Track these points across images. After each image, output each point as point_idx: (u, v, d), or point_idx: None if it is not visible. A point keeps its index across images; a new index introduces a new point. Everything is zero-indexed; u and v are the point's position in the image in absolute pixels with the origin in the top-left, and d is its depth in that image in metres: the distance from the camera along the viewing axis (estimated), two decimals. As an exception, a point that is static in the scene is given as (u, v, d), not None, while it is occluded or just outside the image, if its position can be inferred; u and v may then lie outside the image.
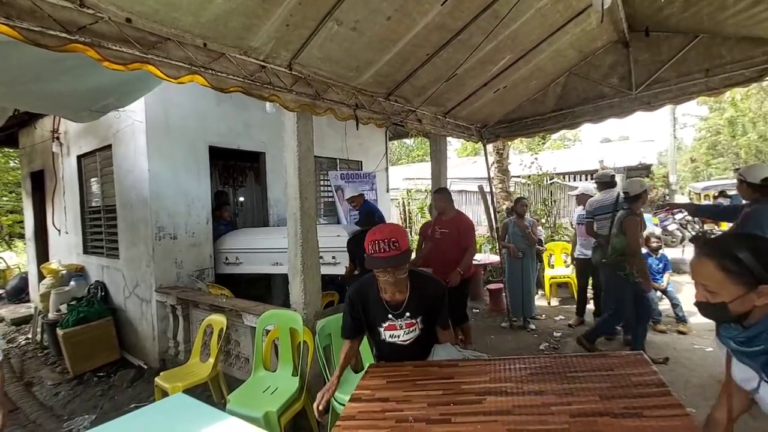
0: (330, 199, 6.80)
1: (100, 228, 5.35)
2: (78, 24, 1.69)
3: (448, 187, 4.73)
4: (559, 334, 4.80)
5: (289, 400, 2.62)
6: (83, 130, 5.28)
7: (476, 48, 3.16)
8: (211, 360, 3.31)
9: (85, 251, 5.68)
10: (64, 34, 1.65)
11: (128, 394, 3.98)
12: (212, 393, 3.36)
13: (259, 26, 2.17)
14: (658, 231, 7.06)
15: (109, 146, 4.87)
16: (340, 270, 4.26)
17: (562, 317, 5.45)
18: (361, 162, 7.48)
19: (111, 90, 3.16)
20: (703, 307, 1.18)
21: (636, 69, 4.22)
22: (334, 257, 4.29)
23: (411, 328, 1.99)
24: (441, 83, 3.57)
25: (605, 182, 4.56)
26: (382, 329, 2.00)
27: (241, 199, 7.70)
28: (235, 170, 7.46)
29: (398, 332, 1.99)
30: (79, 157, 5.59)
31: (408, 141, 28.31)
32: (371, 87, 3.26)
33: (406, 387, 1.79)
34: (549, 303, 6.14)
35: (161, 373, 3.37)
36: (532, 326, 5.08)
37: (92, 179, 5.51)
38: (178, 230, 4.54)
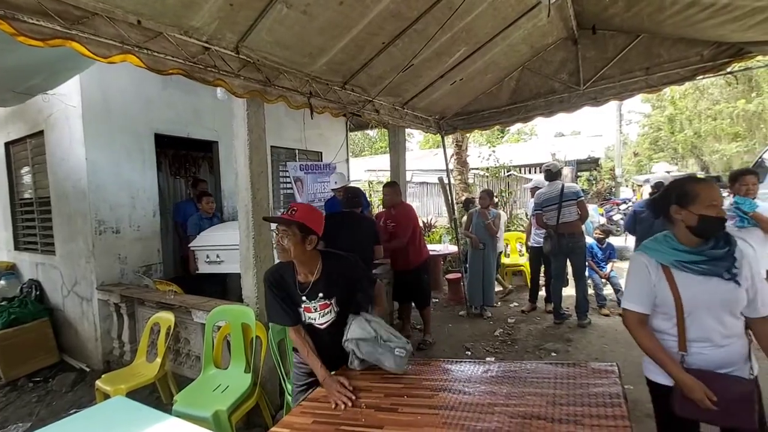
0: (289, 191, 6.64)
1: (33, 222, 4.91)
2: (-16, -8, 1.50)
3: (407, 179, 4.78)
4: (512, 321, 4.99)
5: (241, 397, 2.54)
6: (11, 114, 4.80)
7: (432, 39, 3.16)
8: (159, 360, 3.14)
9: (17, 247, 5.20)
10: (-33, 3, 1.46)
11: (68, 399, 3.71)
12: (160, 394, 3.20)
13: (200, 4, 2.03)
14: (603, 221, 7.48)
15: (41, 132, 4.45)
16: (225, 269, 4.01)
17: (516, 304, 5.67)
18: (321, 153, 7.35)
19: (35, 69, 2.87)
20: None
21: (584, 66, 4.40)
22: (218, 255, 3.99)
23: (326, 310, 1.94)
24: (398, 73, 3.54)
25: (552, 173, 4.75)
26: (301, 311, 1.96)
27: (194, 190, 7.36)
28: (186, 160, 7.09)
29: (314, 315, 1.94)
30: (7, 144, 5.08)
31: (371, 132, 28.21)
32: (326, 75, 3.18)
33: (376, 379, 1.86)
34: (505, 290, 6.36)
35: (103, 376, 3.17)
36: (489, 314, 5.24)
37: (23, 169, 5.03)
38: (121, 224, 4.25)
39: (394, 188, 4.22)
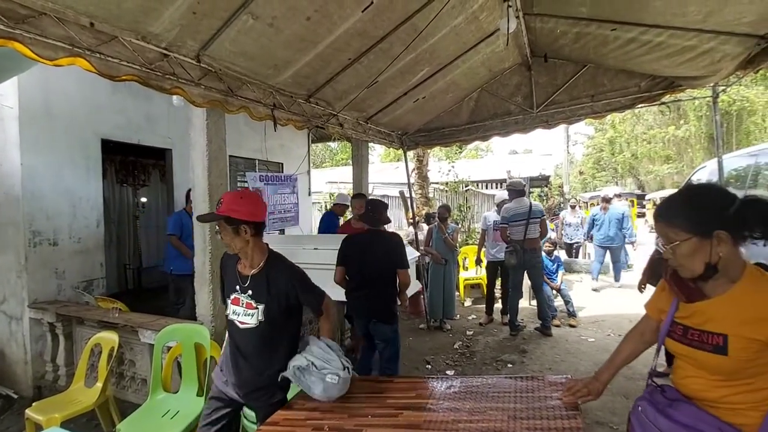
0: (247, 202, 6.45)
1: (-49, 232, 4.40)
2: None
3: (369, 192, 4.78)
4: (471, 333, 5.10)
5: (194, 423, 2.39)
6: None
7: (396, 58, 3.23)
8: (99, 384, 2.88)
9: (-70, 260, 4.62)
10: None
11: (-12, 432, 3.31)
12: (101, 422, 2.93)
13: (160, 11, 1.96)
14: (553, 235, 7.89)
15: (-32, 134, 4.04)
16: None
17: (474, 316, 5.80)
18: (282, 164, 7.23)
19: (-33, 67, 2.62)
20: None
21: (536, 90, 4.69)
22: None
23: (250, 311, 1.82)
24: (362, 89, 3.58)
25: (518, 190, 4.97)
26: (229, 301, 1.87)
27: (143, 200, 6.94)
28: (135, 167, 6.70)
29: (239, 309, 1.83)
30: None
31: (332, 144, 28.17)
32: (291, 87, 3.15)
33: (338, 399, 1.80)
34: (463, 303, 6.50)
35: (34, 403, 2.85)
36: (448, 326, 5.32)
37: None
38: (59, 235, 3.91)
39: (360, 201, 4.14)
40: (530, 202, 4.84)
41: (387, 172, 17.43)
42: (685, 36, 3.13)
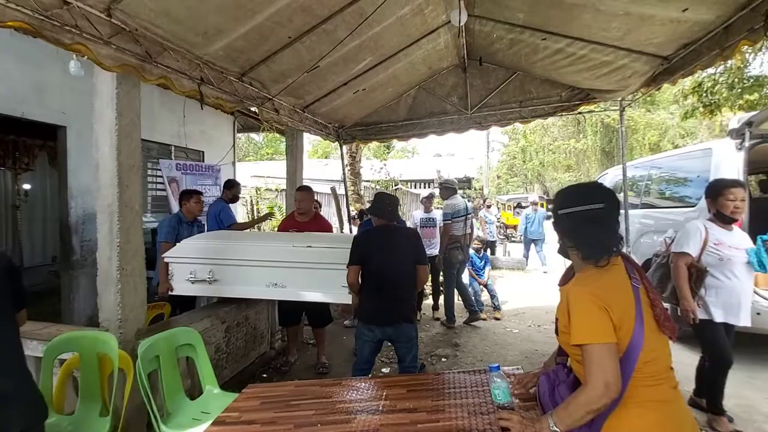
0: (161, 193, 5.75)
1: None
2: None
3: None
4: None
5: (94, 449, 1.99)
6: None
7: (340, 42, 3.07)
8: (-41, 412, 2.28)
9: None
10: None
11: None
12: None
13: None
14: (480, 234, 8.33)
15: None
16: (219, 292, 3.19)
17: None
18: (203, 152, 6.58)
19: None
20: None
21: (471, 92, 4.86)
22: (211, 273, 3.07)
23: None
24: (302, 73, 3.35)
25: (452, 188, 5.09)
26: None
27: (27, 187, 5.84)
28: (16, 148, 5.61)
29: None
30: None
31: (256, 136, 26.73)
32: (222, 61, 2.82)
33: (279, 408, 1.64)
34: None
35: None
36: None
37: None
38: None
39: (309, 193, 3.73)
40: (465, 200, 5.02)
41: (316, 168, 16.99)
42: (604, 51, 3.45)
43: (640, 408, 1.13)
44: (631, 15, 2.78)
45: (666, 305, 2.40)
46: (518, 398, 1.53)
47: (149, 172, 5.53)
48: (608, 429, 1.12)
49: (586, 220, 1.21)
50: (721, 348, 2.50)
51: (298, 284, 2.96)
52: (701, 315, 2.49)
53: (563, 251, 1.32)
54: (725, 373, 2.52)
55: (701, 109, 8.11)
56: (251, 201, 9.71)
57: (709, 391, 2.63)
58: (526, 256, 9.46)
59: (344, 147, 5.95)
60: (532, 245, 9.19)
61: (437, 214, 5.28)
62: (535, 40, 3.71)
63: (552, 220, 1.35)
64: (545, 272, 8.62)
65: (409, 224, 6.47)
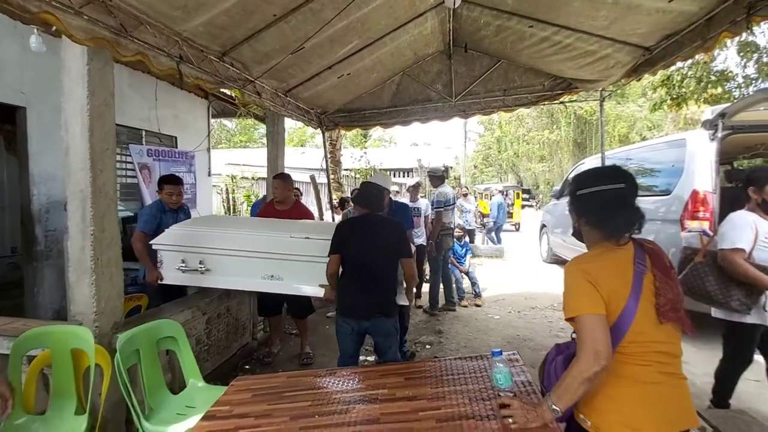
0: (132, 180, 5.46)
1: None
2: None
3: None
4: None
5: (70, 449, 1.87)
6: None
7: (327, 23, 2.96)
8: None
9: None
10: None
11: None
12: None
13: None
14: (461, 222, 8.41)
15: None
16: (211, 282, 3.02)
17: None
18: (176, 138, 6.28)
19: None
20: None
21: (456, 80, 4.82)
22: (202, 262, 2.91)
23: None
24: (286, 55, 3.22)
25: (440, 176, 5.07)
26: None
27: (-20, 172, 5.42)
28: (-33, 130, 5.17)
29: None
30: None
31: (229, 123, 25.90)
32: (202, 39, 2.65)
33: (272, 400, 1.58)
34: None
35: None
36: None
37: None
38: None
39: (286, 181, 3.60)
40: (452, 189, 5.05)
41: (293, 156, 16.64)
42: (589, 40, 3.48)
43: (619, 380, 1.17)
44: (619, 4, 2.80)
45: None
46: (523, 383, 1.54)
47: (118, 158, 5.22)
48: (585, 393, 1.15)
49: (609, 199, 1.23)
50: (751, 351, 2.34)
51: (296, 277, 2.82)
52: (752, 320, 2.22)
53: (578, 234, 1.35)
54: (743, 370, 2.42)
55: (669, 101, 8.40)
56: (227, 189, 9.41)
57: (722, 387, 2.48)
58: (499, 240, 10.43)
59: (325, 134, 5.82)
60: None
61: (423, 203, 5.26)
62: (522, 27, 3.70)
63: (569, 202, 1.37)
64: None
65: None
